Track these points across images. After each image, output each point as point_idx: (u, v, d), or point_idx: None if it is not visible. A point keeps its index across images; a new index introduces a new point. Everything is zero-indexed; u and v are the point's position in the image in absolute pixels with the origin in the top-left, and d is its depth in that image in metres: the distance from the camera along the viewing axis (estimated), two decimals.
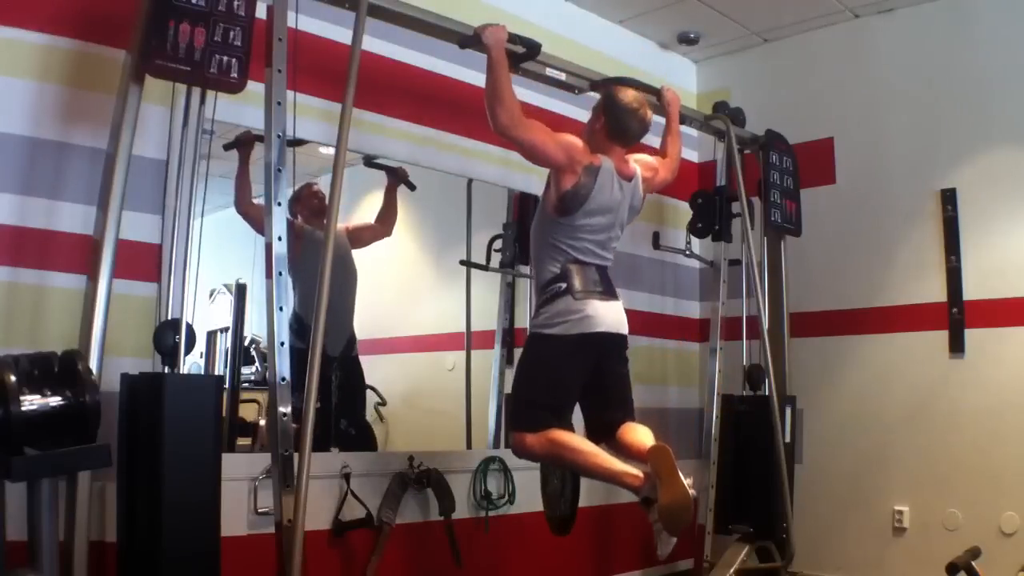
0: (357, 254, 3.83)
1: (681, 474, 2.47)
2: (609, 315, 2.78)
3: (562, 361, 2.74)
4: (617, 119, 2.82)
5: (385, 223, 3.95)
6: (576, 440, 2.72)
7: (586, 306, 2.73)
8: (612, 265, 2.89)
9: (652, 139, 3.54)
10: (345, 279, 3.61)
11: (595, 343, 2.75)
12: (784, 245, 4.20)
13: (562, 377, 2.76)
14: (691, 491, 2.47)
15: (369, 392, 4.01)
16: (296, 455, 2.33)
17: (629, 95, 2.86)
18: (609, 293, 2.81)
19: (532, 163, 2.83)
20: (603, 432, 2.83)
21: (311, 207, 3.65)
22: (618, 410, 2.84)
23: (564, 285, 2.74)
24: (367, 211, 4.00)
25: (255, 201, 3.34)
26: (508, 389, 3.95)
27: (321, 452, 3.37)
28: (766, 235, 4.11)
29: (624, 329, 2.85)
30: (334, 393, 3.52)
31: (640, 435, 2.73)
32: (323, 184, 3.64)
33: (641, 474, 2.56)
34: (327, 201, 2.49)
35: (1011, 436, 3.64)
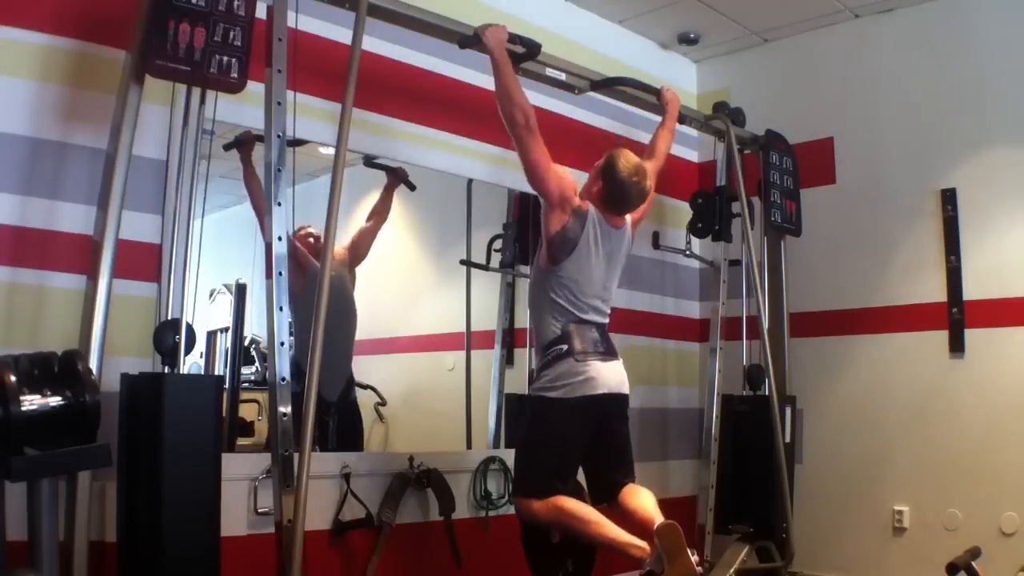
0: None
1: (689, 551, 2.50)
2: (611, 376, 2.80)
3: (565, 425, 2.76)
4: (614, 190, 2.82)
5: (378, 217, 3.93)
6: (582, 509, 2.74)
7: (588, 368, 2.75)
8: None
9: (644, 136, 3.55)
10: (343, 320, 3.60)
11: (597, 405, 2.77)
12: (784, 245, 4.21)
13: (566, 441, 2.78)
14: (699, 568, 2.50)
15: (369, 392, 4.01)
16: (296, 455, 2.33)
17: (630, 165, 2.81)
18: (610, 353, 2.83)
19: (527, 178, 2.82)
20: (605, 491, 2.86)
21: (308, 247, 3.61)
22: (620, 470, 2.87)
23: (565, 347, 2.76)
24: (367, 211, 3.99)
25: None
26: (508, 389, 3.99)
27: (321, 452, 3.38)
28: (766, 235, 4.11)
29: (625, 389, 2.87)
30: (331, 438, 3.51)
31: (646, 503, 2.74)
32: (322, 183, 3.64)
33: (647, 547, 2.57)
34: (328, 200, 2.48)
35: (1011, 436, 3.63)
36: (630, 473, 2.89)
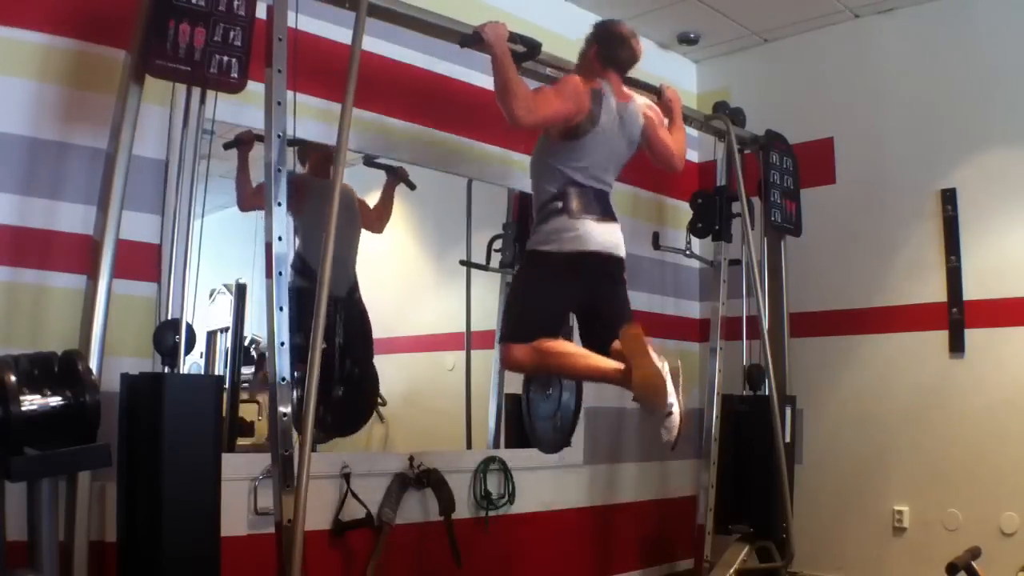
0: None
1: (653, 354, 2.50)
2: (604, 235, 2.79)
3: (555, 278, 2.76)
4: (609, 43, 2.88)
5: (379, 219, 3.93)
6: (563, 344, 2.75)
7: (581, 225, 2.74)
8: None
9: None
10: (347, 223, 3.55)
11: (590, 262, 2.76)
12: (784, 245, 4.20)
13: (554, 294, 2.78)
14: (664, 370, 2.49)
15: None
16: (296, 455, 2.33)
17: (622, 26, 2.93)
18: (607, 215, 2.82)
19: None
20: (597, 348, 2.81)
21: (316, 155, 3.57)
22: (611, 328, 2.81)
23: (560, 204, 2.76)
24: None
25: (255, 187, 3.32)
26: (508, 390, 3.99)
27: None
28: (766, 235, 4.11)
29: (620, 251, 2.86)
30: (339, 334, 3.50)
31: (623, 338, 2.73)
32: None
33: (624, 366, 2.58)
34: (328, 201, 2.49)
35: (1011, 436, 3.63)
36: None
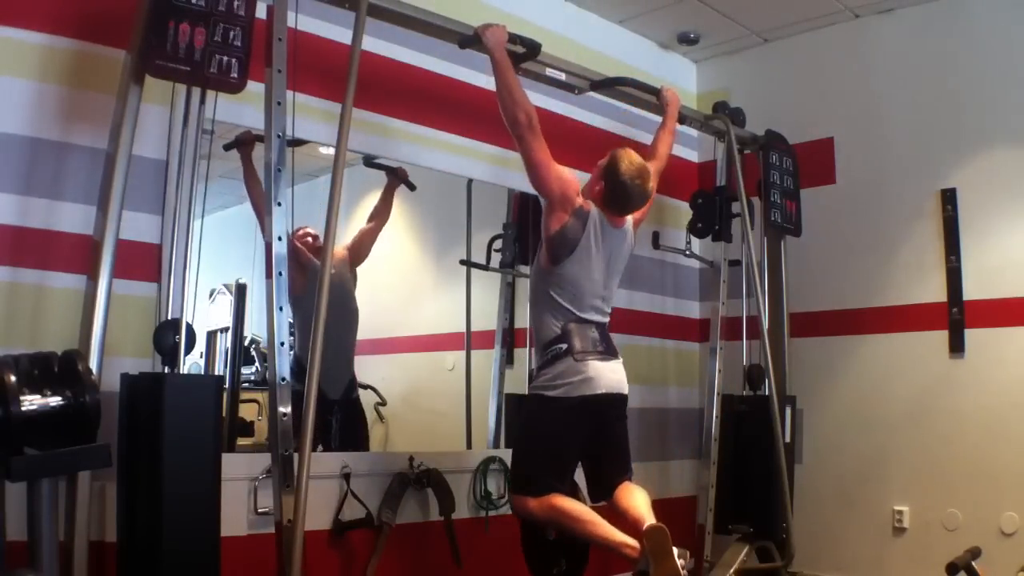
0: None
1: (675, 552, 2.53)
2: (609, 375, 2.81)
3: (563, 424, 2.76)
4: (617, 191, 2.82)
5: (379, 218, 3.94)
6: (577, 508, 2.75)
7: (587, 367, 2.75)
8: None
9: (644, 136, 3.54)
10: (345, 320, 3.61)
11: (595, 404, 2.77)
12: (784, 245, 4.20)
13: (563, 440, 2.79)
14: (683, 572, 2.53)
15: (369, 392, 4.01)
16: (296, 455, 2.33)
17: (633, 166, 2.82)
18: (609, 352, 2.83)
19: (528, 177, 2.82)
20: (602, 490, 2.87)
21: (307, 246, 3.62)
22: (617, 469, 2.88)
23: (565, 346, 2.76)
24: (367, 211, 3.99)
25: None
26: (508, 389, 3.99)
27: (321, 452, 3.38)
28: (766, 235, 4.11)
29: (624, 389, 2.87)
30: (334, 437, 3.50)
31: (639, 503, 2.76)
32: (322, 183, 3.64)
33: (639, 547, 2.60)
34: (328, 200, 2.48)
35: (1011, 436, 3.63)
36: (627, 471, 2.90)
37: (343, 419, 3.57)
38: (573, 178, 2.82)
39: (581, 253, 2.77)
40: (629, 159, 2.83)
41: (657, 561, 2.51)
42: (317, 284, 2.41)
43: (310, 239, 3.63)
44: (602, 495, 2.87)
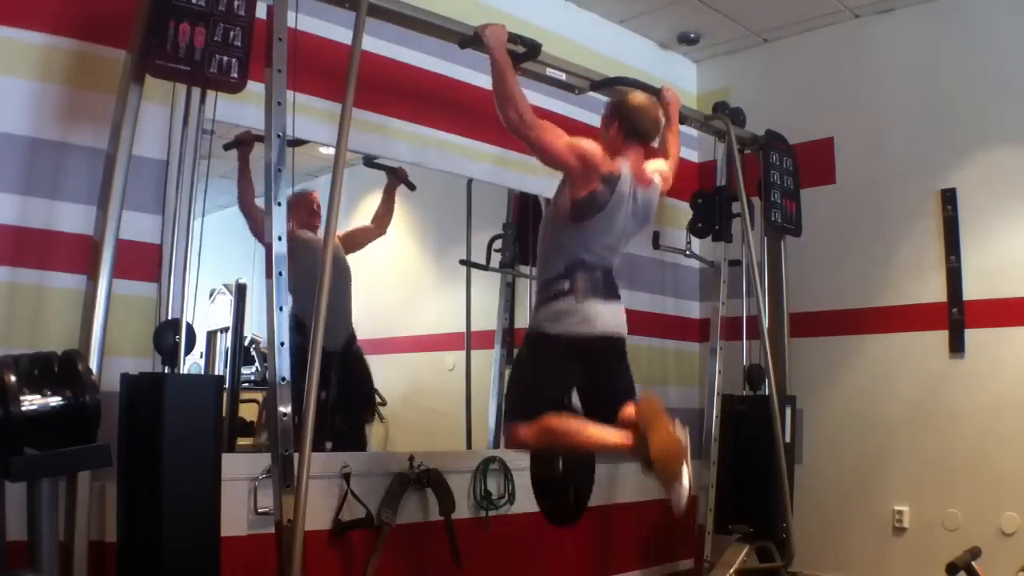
0: (356, 255, 3.83)
1: (668, 419, 2.51)
2: (610, 317, 2.79)
3: (561, 361, 2.75)
4: (631, 121, 2.83)
5: (380, 222, 3.94)
6: (567, 420, 2.73)
7: (587, 307, 2.74)
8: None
9: None
10: (340, 278, 3.60)
11: (595, 345, 2.76)
12: (784, 245, 4.20)
13: (559, 376, 2.77)
14: (680, 435, 2.50)
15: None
16: (296, 455, 2.33)
17: (640, 96, 2.91)
18: (611, 294, 2.82)
19: (544, 164, 2.82)
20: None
21: (307, 209, 3.63)
22: (620, 406, 2.82)
23: (567, 285, 2.75)
24: (367, 211, 4.00)
25: (257, 202, 3.34)
26: (508, 389, 3.99)
27: (321, 452, 3.38)
28: (766, 235, 4.12)
29: (624, 331, 2.86)
30: (333, 388, 3.51)
31: (631, 407, 2.74)
32: (322, 183, 3.64)
33: (633, 435, 2.58)
34: (328, 200, 2.49)
35: (1011, 436, 3.63)
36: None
37: (344, 371, 3.57)
38: (592, 145, 2.77)
39: (607, 214, 2.76)
40: (633, 93, 2.93)
41: (651, 431, 2.50)
42: (317, 286, 2.41)
43: (315, 206, 3.64)
44: None
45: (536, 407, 2.72)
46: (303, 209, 3.63)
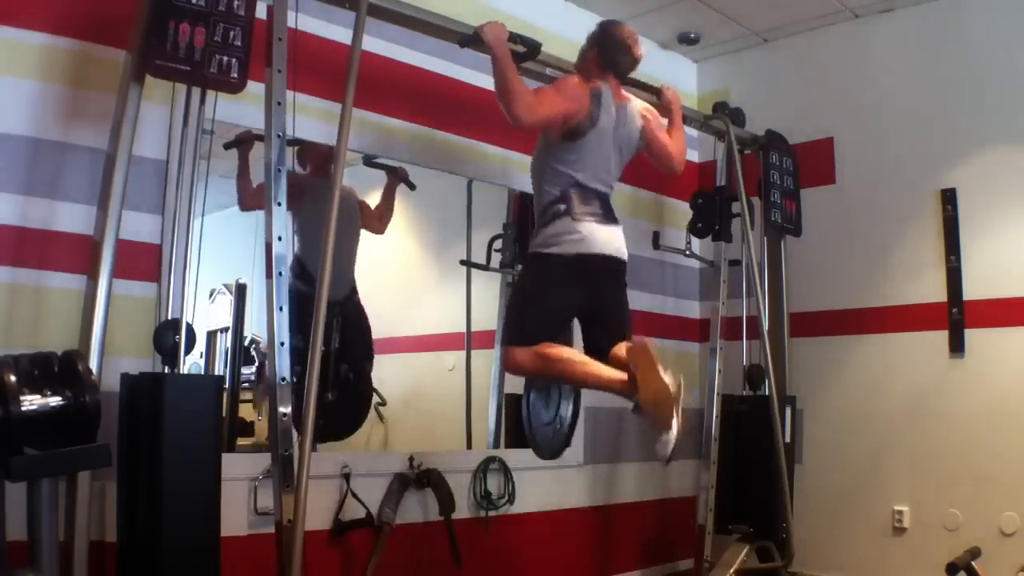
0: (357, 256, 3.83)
1: (661, 367, 2.50)
2: (608, 238, 2.79)
3: (558, 281, 2.75)
4: (610, 48, 2.89)
5: (380, 220, 3.94)
6: (565, 351, 2.74)
7: (584, 227, 2.74)
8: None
9: None
10: (346, 226, 3.56)
11: (592, 265, 2.76)
12: (784, 245, 4.21)
13: (557, 296, 2.77)
14: (672, 384, 2.49)
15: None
16: (296, 455, 2.33)
17: (624, 30, 2.93)
18: (609, 218, 2.82)
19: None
20: (599, 352, 2.83)
21: (318, 154, 3.56)
22: (614, 331, 2.84)
23: (564, 206, 2.75)
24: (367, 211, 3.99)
25: (256, 187, 3.32)
26: (508, 390, 3.99)
27: (321, 443, 3.39)
28: (766, 235, 4.12)
29: (623, 254, 2.86)
30: (335, 337, 3.50)
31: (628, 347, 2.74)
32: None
33: (627, 377, 2.58)
34: (328, 200, 2.49)
35: (1011, 436, 3.63)
36: (624, 332, 2.86)
37: (345, 320, 3.56)
38: (572, 80, 2.83)
39: (598, 130, 2.78)
40: (621, 26, 2.95)
41: (643, 376, 2.50)
42: (318, 283, 2.40)
43: (322, 149, 3.60)
44: (598, 357, 2.82)
45: (534, 330, 2.73)
46: (314, 154, 3.57)
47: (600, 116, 2.78)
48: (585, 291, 2.79)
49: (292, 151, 2.62)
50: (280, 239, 2.51)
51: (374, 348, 3.81)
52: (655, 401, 2.48)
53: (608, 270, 2.82)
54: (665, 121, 3.23)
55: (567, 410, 3.22)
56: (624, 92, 2.97)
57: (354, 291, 3.69)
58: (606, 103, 2.82)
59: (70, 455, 1.86)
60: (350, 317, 3.63)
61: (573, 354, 2.75)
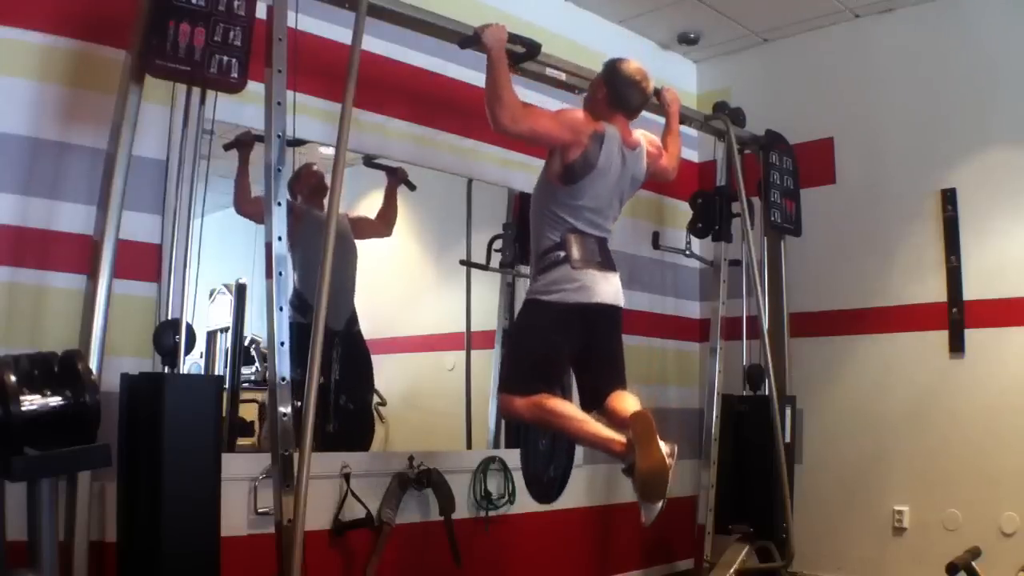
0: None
1: (661, 441, 2.49)
2: (606, 287, 2.80)
3: (556, 329, 2.75)
4: (618, 89, 2.84)
5: (385, 223, 3.94)
6: (564, 406, 2.74)
7: (584, 276, 2.74)
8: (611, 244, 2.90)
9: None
10: (344, 256, 3.59)
11: (591, 313, 2.76)
12: (784, 245, 4.21)
13: (555, 345, 2.77)
14: (669, 459, 2.48)
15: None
16: (296, 455, 2.33)
17: (632, 66, 2.88)
18: (607, 265, 2.82)
19: (541, 147, 2.83)
20: (596, 401, 2.83)
21: (310, 185, 3.60)
22: (610, 380, 2.85)
23: (563, 254, 2.75)
24: (367, 211, 4.00)
25: (253, 197, 3.33)
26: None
27: (321, 452, 3.38)
28: (766, 235, 4.12)
29: (620, 301, 2.86)
30: (335, 368, 3.51)
31: (626, 402, 2.74)
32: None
33: (625, 440, 2.57)
34: (328, 200, 2.49)
35: (1011, 436, 3.63)
36: (622, 383, 2.87)
37: (345, 351, 3.57)
38: (575, 112, 2.81)
39: (597, 174, 2.76)
40: (626, 62, 2.89)
41: (641, 447, 2.48)
42: (316, 290, 2.41)
43: (315, 180, 3.62)
44: (594, 406, 2.83)
45: (532, 380, 2.72)
46: (307, 185, 3.60)
47: (599, 160, 2.75)
48: (583, 339, 2.79)
49: (292, 151, 2.61)
50: (280, 239, 2.51)
51: (373, 382, 3.81)
52: (651, 473, 2.47)
53: (606, 318, 2.83)
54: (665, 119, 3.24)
55: (562, 461, 3.23)
56: (634, 134, 2.92)
57: (354, 320, 3.70)
58: (609, 148, 2.78)
59: (70, 455, 1.86)
60: (350, 348, 3.64)
61: (572, 410, 2.74)
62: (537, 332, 2.79)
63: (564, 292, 2.73)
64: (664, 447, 2.48)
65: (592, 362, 2.85)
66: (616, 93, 2.84)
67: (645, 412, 2.58)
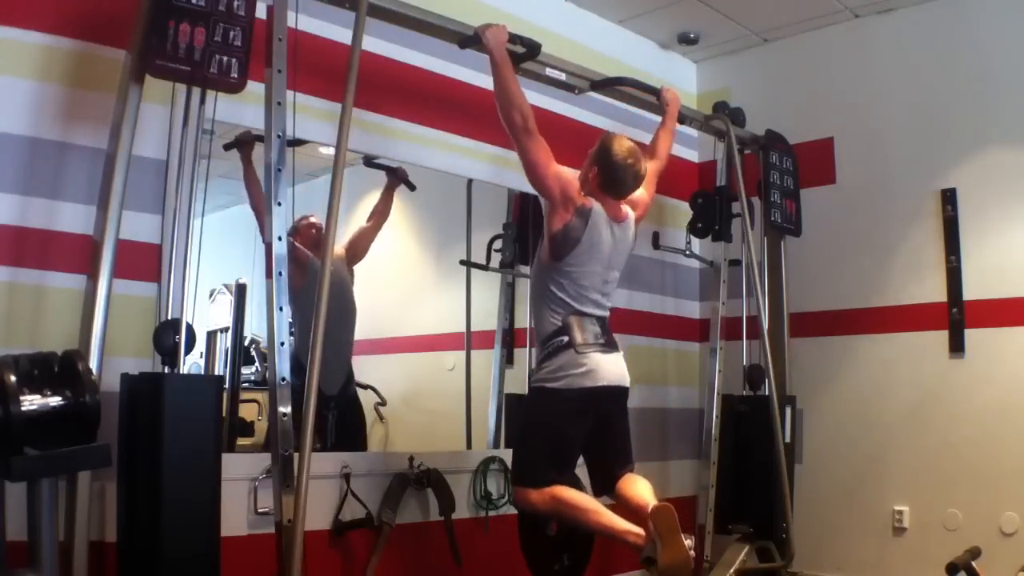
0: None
1: (682, 535, 2.51)
2: (611, 368, 2.80)
3: (565, 416, 2.76)
4: (610, 173, 2.81)
5: (377, 218, 3.94)
6: (579, 497, 2.74)
7: (588, 360, 2.74)
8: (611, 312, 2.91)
9: (644, 136, 3.55)
10: (343, 314, 3.61)
11: (597, 397, 2.77)
12: (784, 245, 4.21)
13: (564, 432, 2.78)
14: (691, 552, 2.51)
15: (369, 392, 4.01)
16: (296, 455, 2.33)
17: (624, 148, 2.81)
18: (610, 345, 2.83)
19: (527, 178, 2.82)
20: (605, 483, 2.86)
21: (309, 237, 3.63)
22: (619, 461, 2.87)
23: (566, 339, 2.76)
24: (367, 211, 4.00)
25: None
26: (508, 389, 3.99)
27: (321, 452, 3.38)
28: (766, 235, 4.12)
29: (626, 382, 2.87)
30: (331, 432, 3.51)
31: (641, 490, 2.75)
32: (322, 183, 3.64)
33: (643, 533, 2.58)
34: (328, 200, 2.48)
35: (1011, 436, 3.63)
36: (629, 463, 2.89)
37: (340, 415, 3.57)
38: (573, 177, 2.82)
39: (583, 249, 2.76)
40: (619, 142, 2.83)
41: (664, 542, 2.49)
42: (317, 284, 2.41)
43: (314, 231, 3.63)
44: (604, 488, 2.86)
45: (546, 471, 2.74)
46: (308, 236, 3.62)
47: (583, 235, 2.74)
48: (592, 422, 2.80)
49: (292, 152, 2.61)
50: (280, 239, 2.51)
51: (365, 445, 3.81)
52: (676, 568, 2.49)
53: (614, 400, 2.84)
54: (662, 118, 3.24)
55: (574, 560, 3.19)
56: (622, 208, 2.90)
57: (350, 380, 3.71)
58: (595, 223, 2.77)
59: (70, 455, 1.86)
60: (345, 411, 3.64)
61: (588, 501, 2.75)
62: (546, 421, 2.79)
63: (570, 377, 2.73)
64: (686, 540, 2.51)
65: (601, 444, 2.86)
66: (608, 178, 2.82)
67: (667, 506, 2.57)
